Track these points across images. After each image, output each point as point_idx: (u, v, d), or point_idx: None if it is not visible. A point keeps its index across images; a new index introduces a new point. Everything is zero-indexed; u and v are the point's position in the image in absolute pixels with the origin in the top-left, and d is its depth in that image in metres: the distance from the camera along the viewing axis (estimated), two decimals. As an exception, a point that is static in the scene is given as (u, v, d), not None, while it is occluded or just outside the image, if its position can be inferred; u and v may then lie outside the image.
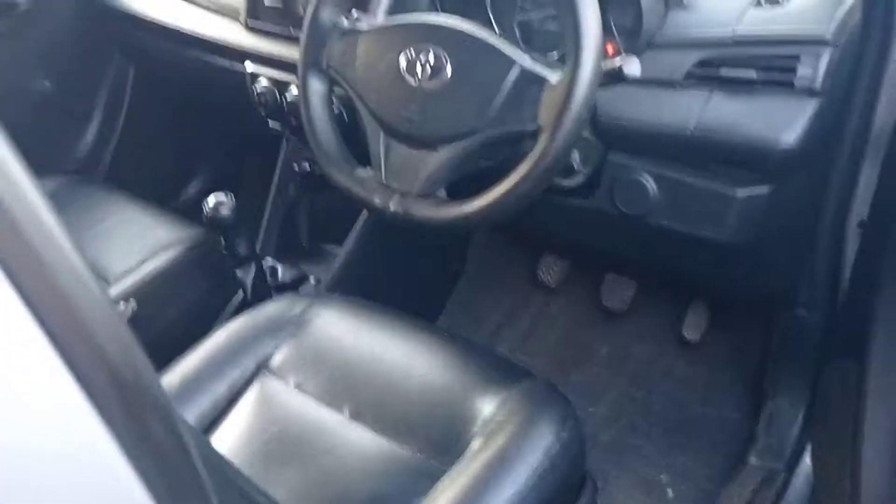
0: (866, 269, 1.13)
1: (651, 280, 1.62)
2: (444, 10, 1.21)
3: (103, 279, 1.28)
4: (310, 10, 1.06)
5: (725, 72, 0.99)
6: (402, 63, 0.98)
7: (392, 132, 1.01)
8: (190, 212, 1.34)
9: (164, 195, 1.85)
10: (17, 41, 1.60)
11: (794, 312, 1.30)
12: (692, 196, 1.07)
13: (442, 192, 0.99)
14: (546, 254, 1.71)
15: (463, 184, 0.99)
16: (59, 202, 1.44)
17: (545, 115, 0.91)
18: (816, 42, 0.95)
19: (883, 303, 1.09)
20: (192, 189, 1.93)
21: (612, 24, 1.09)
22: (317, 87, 1.06)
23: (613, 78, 0.94)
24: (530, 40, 1.18)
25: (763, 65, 0.97)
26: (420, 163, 0.99)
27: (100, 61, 1.77)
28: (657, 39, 1.05)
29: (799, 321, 1.30)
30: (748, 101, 0.99)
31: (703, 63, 1.01)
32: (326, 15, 1.05)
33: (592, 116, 1.06)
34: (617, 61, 0.93)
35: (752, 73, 0.98)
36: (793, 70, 0.96)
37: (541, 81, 0.92)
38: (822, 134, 0.99)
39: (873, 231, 1.09)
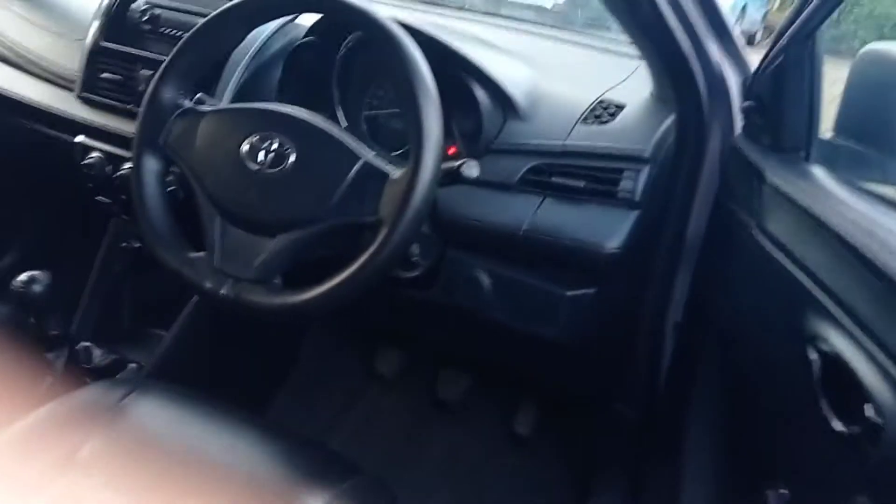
0: (681, 366, 1.21)
1: (485, 374, 1.65)
2: (291, 101, 1.22)
3: None
4: (151, 86, 1.03)
5: (556, 180, 1.06)
6: (245, 148, 0.97)
7: (229, 216, 0.98)
8: (2, 287, 1.23)
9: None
10: None
11: (613, 408, 1.36)
12: (524, 293, 1.11)
13: (278, 280, 0.97)
14: (383, 345, 1.71)
15: (300, 273, 0.98)
16: None
17: (386, 209, 0.92)
18: (636, 159, 1.05)
19: (696, 398, 1.17)
20: (4, 263, 1.77)
21: (455, 128, 1.14)
22: (151, 164, 1.02)
23: (453, 178, 0.97)
24: (376, 135, 1.21)
25: (589, 176, 1.05)
26: (256, 248, 0.96)
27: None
28: (495, 145, 1.11)
29: (618, 417, 1.36)
30: (576, 207, 1.05)
31: (535, 170, 1.07)
32: (168, 93, 1.03)
33: (432, 212, 1.09)
34: (456, 163, 0.97)
35: (579, 183, 1.05)
36: (615, 183, 1.04)
37: (383, 176, 0.93)
38: (642, 241, 1.07)
39: (687, 332, 1.18)
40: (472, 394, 1.65)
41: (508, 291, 1.12)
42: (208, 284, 0.97)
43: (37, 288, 1.14)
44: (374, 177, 0.94)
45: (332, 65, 1.19)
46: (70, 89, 1.35)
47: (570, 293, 1.11)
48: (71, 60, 1.35)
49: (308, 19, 1.23)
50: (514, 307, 1.13)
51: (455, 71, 1.12)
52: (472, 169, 0.97)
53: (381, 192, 0.93)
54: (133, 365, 1.34)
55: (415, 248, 1.12)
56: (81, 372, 1.29)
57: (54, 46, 1.40)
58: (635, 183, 1.04)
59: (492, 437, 1.62)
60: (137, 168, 1.02)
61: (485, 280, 1.13)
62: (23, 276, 1.14)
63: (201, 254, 1.00)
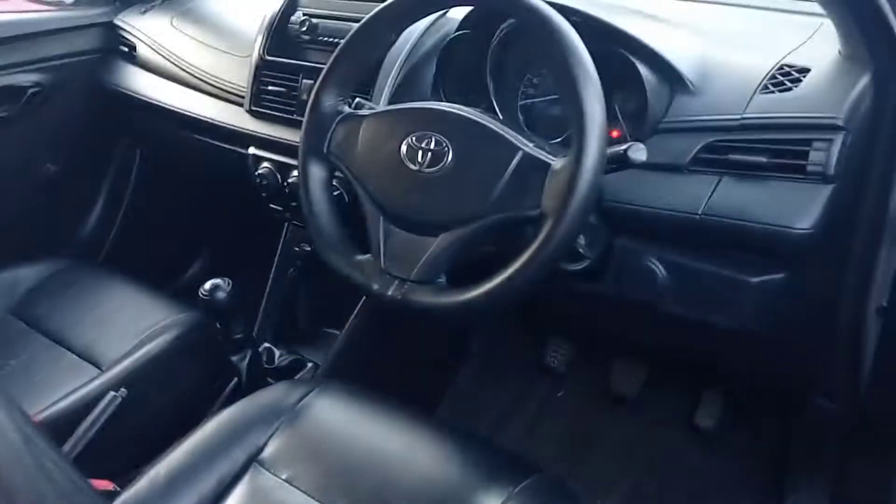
0: (888, 355, 1.08)
1: (662, 365, 1.56)
2: (447, 96, 1.21)
3: (96, 365, 1.25)
4: (312, 95, 1.06)
5: (734, 157, 0.97)
6: (403, 149, 0.97)
7: (392, 218, 0.98)
8: (190, 294, 1.32)
9: (165, 278, 1.83)
10: (24, 124, 1.61)
11: (814, 402, 1.24)
12: (703, 282, 1.03)
13: (442, 279, 0.96)
14: (553, 337, 1.67)
15: (464, 270, 0.96)
16: (58, 286, 1.42)
17: (548, 202, 0.88)
18: (828, 127, 0.93)
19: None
20: (192, 271, 1.91)
21: (617, 109, 1.08)
22: (317, 172, 1.05)
23: (619, 163, 0.92)
24: (534, 125, 1.17)
25: (772, 150, 0.95)
26: (420, 249, 0.96)
27: (107, 145, 1.78)
28: (663, 124, 1.04)
29: (820, 411, 1.24)
30: (759, 186, 0.96)
31: (710, 148, 0.99)
32: (328, 101, 1.05)
33: (598, 200, 1.03)
34: (622, 147, 0.91)
35: (761, 159, 0.96)
36: (804, 156, 0.93)
37: (544, 167, 0.90)
38: (837, 219, 0.96)
39: (893, 316, 1.05)
40: (648, 385, 1.58)
41: (686, 281, 1.04)
42: (376, 287, 0.98)
43: (220, 295, 1.21)
44: (534, 168, 0.90)
45: (486, 56, 1.16)
46: (240, 104, 1.42)
47: (755, 280, 1.01)
48: (239, 76, 1.42)
49: (459, 12, 1.21)
50: (692, 298, 1.05)
51: (615, 48, 1.05)
52: (639, 152, 0.91)
53: (543, 184, 0.89)
54: (310, 364, 1.40)
55: (581, 239, 1.07)
56: (264, 372, 1.36)
57: (224, 64, 1.48)
58: (828, 154, 0.93)
59: (671, 430, 1.54)
60: (304, 177, 1.05)
61: (659, 270, 1.06)
62: (207, 285, 1.21)
63: (368, 256, 1.01)
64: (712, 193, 0.98)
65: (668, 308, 1.07)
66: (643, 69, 1.04)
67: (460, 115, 0.96)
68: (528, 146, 0.92)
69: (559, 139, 1.12)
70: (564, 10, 0.93)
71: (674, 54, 1.05)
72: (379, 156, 1.00)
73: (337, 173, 1.06)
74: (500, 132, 0.93)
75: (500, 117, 1.16)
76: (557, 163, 0.89)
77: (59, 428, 1.10)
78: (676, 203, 1.00)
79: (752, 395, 1.47)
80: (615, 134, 1.09)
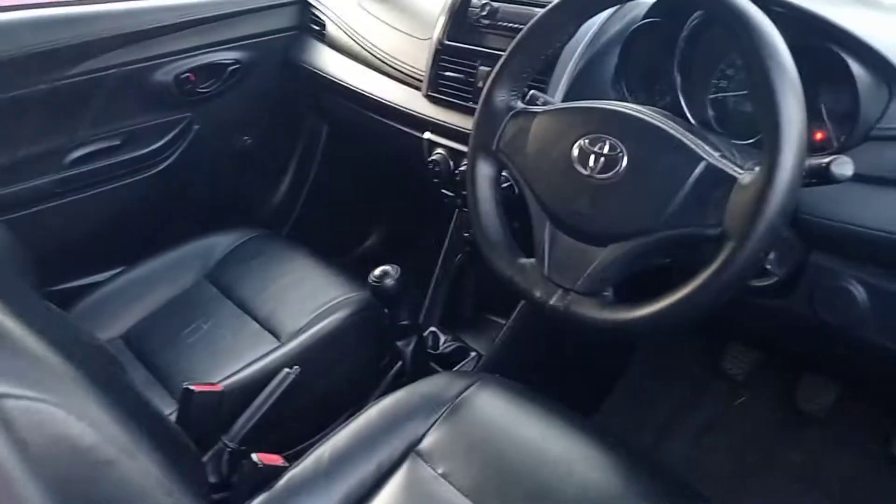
0: None
1: (857, 385, 1.40)
2: (629, 90, 1.13)
3: (275, 336, 1.33)
4: (485, 90, 1.03)
5: (966, 174, 0.83)
6: (575, 152, 0.92)
7: (559, 223, 0.94)
8: (363, 268, 1.37)
9: (341, 251, 1.91)
10: (224, 100, 1.72)
11: None
12: (913, 313, 0.90)
13: (608, 292, 0.90)
14: (732, 342, 1.55)
15: (633, 283, 0.90)
16: (248, 255, 1.52)
17: (732, 220, 0.80)
18: None
19: None
20: (366, 246, 1.98)
21: (824, 109, 0.95)
22: (485, 169, 1.02)
23: (819, 178, 0.81)
24: (724, 121, 1.07)
25: None
26: (587, 258, 0.91)
27: (296, 120, 1.87)
28: (877, 130, 0.90)
29: None
30: None
31: (934, 160, 0.85)
32: (501, 95, 1.01)
33: (793, 212, 0.93)
34: (824, 160, 0.80)
35: None
36: None
37: (730, 181, 0.81)
38: None
39: None
40: (839, 404, 1.43)
41: (887, 308, 0.91)
42: (538, 294, 0.95)
43: (389, 281, 1.23)
44: (718, 182, 0.82)
45: (675, 46, 1.07)
46: (418, 88, 1.42)
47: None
48: (419, 60, 1.42)
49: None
50: (893, 328, 0.92)
51: (822, 41, 0.93)
52: (844, 167, 0.80)
53: (726, 199, 0.81)
54: (473, 353, 1.40)
55: (770, 254, 0.97)
56: (428, 358, 1.38)
57: (404, 46, 1.48)
58: None
59: (863, 457, 1.39)
60: (472, 173, 1.03)
61: (859, 293, 0.93)
62: (377, 271, 1.23)
63: (531, 260, 0.97)
64: (932, 213, 0.84)
65: (868, 336, 0.95)
66: (855, 66, 0.91)
67: (638, 117, 0.89)
68: (712, 156, 0.83)
69: (752, 140, 1.01)
70: (763, 0, 0.83)
71: (893, 50, 0.91)
72: (548, 157, 0.95)
73: (505, 171, 1.03)
74: (682, 139, 0.85)
75: (687, 114, 1.07)
76: (745, 176, 0.80)
77: (239, 396, 1.18)
78: (887, 222, 0.87)
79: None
80: (819, 136, 0.97)
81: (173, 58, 1.60)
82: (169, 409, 1.17)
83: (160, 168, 1.66)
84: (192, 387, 1.12)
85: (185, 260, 1.51)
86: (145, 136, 1.64)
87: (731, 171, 0.82)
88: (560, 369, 1.39)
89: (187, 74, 1.63)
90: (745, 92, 1.04)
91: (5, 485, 0.35)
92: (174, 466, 0.72)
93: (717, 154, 0.84)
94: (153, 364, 1.32)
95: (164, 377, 1.29)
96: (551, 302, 0.93)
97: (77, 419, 0.52)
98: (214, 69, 1.67)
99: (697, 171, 0.83)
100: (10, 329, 0.58)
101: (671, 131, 0.86)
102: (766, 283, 0.99)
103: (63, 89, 1.48)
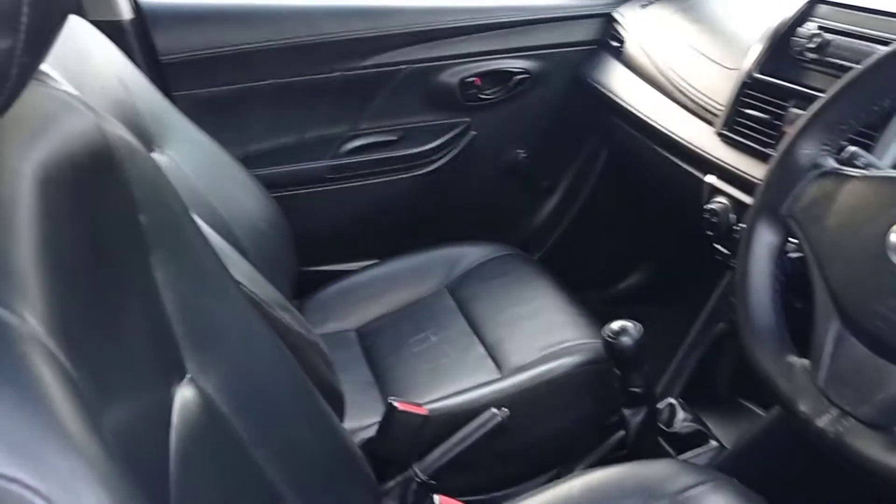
0: None
1: None
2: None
3: (497, 366, 1.23)
4: (791, 133, 0.83)
5: None
6: (894, 237, 0.69)
7: (851, 324, 0.72)
8: (615, 308, 1.22)
9: (597, 284, 1.76)
10: (506, 109, 1.66)
11: None
12: None
13: (903, 430, 0.67)
14: None
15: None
16: (493, 273, 1.45)
17: None
18: None
19: None
20: (624, 286, 1.80)
21: None
22: (767, 235, 0.82)
23: None
24: None
25: None
26: (881, 378, 0.69)
27: (575, 140, 1.75)
28: None
29: None
30: None
31: None
32: (808, 147, 0.81)
33: None
34: None
35: None
36: None
37: None
38: None
39: None
40: None
41: None
42: (803, 408, 0.74)
43: (626, 340, 1.07)
44: None
45: None
46: (713, 123, 1.23)
47: None
48: (720, 92, 1.23)
49: None
50: None
51: None
52: None
53: None
54: (714, 444, 1.17)
55: None
56: (657, 433, 1.19)
57: (707, 74, 1.30)
58: None
59: None
60: (749, 236, 0.84)
61: None
62: (614, 325, 1.08)
63: (805, 362, 0.76)
64: None
65: None
66: None
67: None
68: None
69: None
70: None
71: None
72: (856, 236, 0.73)
73: (793, 241, 0.82)
74: None
75: None
76: None
77: (443, 426, 1.11)
78: None
79: None
80: None
81: (461, 60, 1.58)
82: (371, 420, 1.12)
83: (430, 169, 1.65)
84: (397, 403, 1.06)
85: (432, 266, 1.48)
86: (421, 135, 1.63)
87: None
88: (812, 495, 1.12)
89: (473, 79, 1.60)
90: None
91: None
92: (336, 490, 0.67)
93: None
94: (376, 365, 1.30)
95: (381, 383, 1.26)
96: (819, 423, 0.72)
97: None
98: (501, 76, 1.62)
99: None
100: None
101: None
102: None
103: (353, 80, 1.53)
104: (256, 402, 0.69)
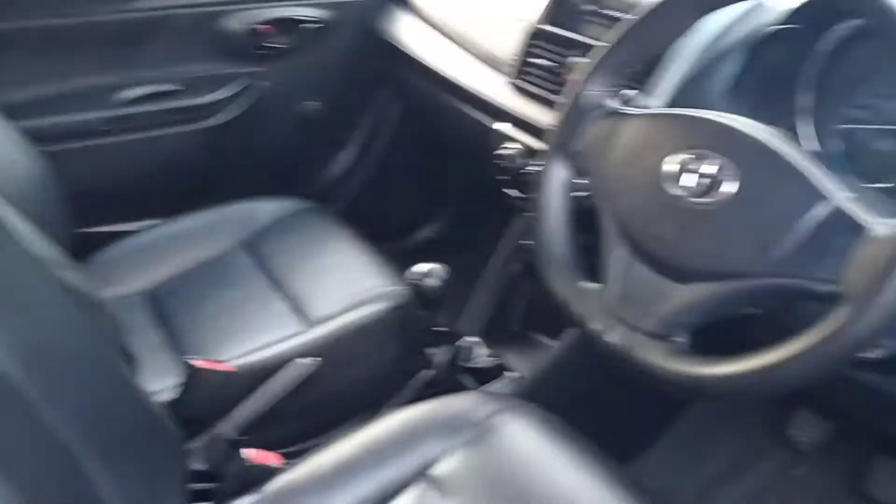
0: None
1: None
2: (747, 105, 0.97)
3: (303, 318, 1.22)
4: (575, 78, 0.89)
5: None
6: (669, 167, 0.77)
7: (636, 248, 0.79)
8: (415, 257, 1.25)
9: (394, 236, 1.80)
10: (297, 59, 1.62)
11: None
12: None
13: (682, 339, 0.75)
14: (804, 407, 1.37)
15: (711, 334, 0.75)
16: (291, 228, 1.43)
17: (853, 279, 0.64)
18: None
19: None
20: (420, 236, 1.86)
21: None
22: (559, 171, 0.88)
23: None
24: (854, 157, 0.90)
25: None
26: (662, 295, 0.76)
27: (368, 92, 1.76)
28: None
29: None
30: None
31: None
32: (593, 89, 0.87)
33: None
34: None
35: None
36: None
37: (857, 230, 0.65)
38: None
39: None
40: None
41: None
42: (596, 325, 0.81)
43: (431, 282, 1.11)
44: (843, 229, 0.66)
45: (811, 62, 0.90)
46: (503, 72, 1.29)
47: None
48: (510, 42, 1.29)
49: (784, 1, 0.95)
50: None
51: None
52: None
53: (850, 251, 0.65)
54: (512, 374, 1.26)
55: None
56: (461, 371, 1.25)
57: (497, 26, 1.36)
58: None
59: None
60: (544, 173, 0.89)
61: None
62: (420, 268, 1.12)
63: (595, 286, 0.83)
64: None
65: None
66: None
67: (756, 137, 0.73)
68: (840, 196, 0.67)
69: (886, 185, 0.84)
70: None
71: None
72: (636, 168, 0.81)
73: (580, 181, 0.89)
74: (805, 170, 0.69)
75: (814, 142, 0.90)
76: (879, 227, 0.64)
77: (249, 381, 1.08)
78: None
79: None
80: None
81: (249, 6, 1.51)
82: (170, 382, 1.07)
83: (216, 121, 1.57)
84: (195, 362, 1.02)
85: (224, 223, 1.42)
86: (207, 85, 1.55)
87: (860, 219, 0.66)
88: (604, 408, 1.25)
89: (262, 26, 1.53)
90: (888, 126, 0.87)
91: None
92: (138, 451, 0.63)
93: (846, 195, 0.68)
94: (169, 328, 1.24)
95: (176, 345, 1.20)
96: (610, 338, 0.79)
97: None
98: (291, 24, 1.57)
99: (819, 211, 0.67)
100: None
101: (795, 159, 0.70)
102: (871, 356, 0.82)
103: (128, 23, 1.41)
104: (48, 362, 0.63)
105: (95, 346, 0.74)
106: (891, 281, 0.61)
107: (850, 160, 0.90)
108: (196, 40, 1.49)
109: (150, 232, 1.42)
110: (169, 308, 1.27)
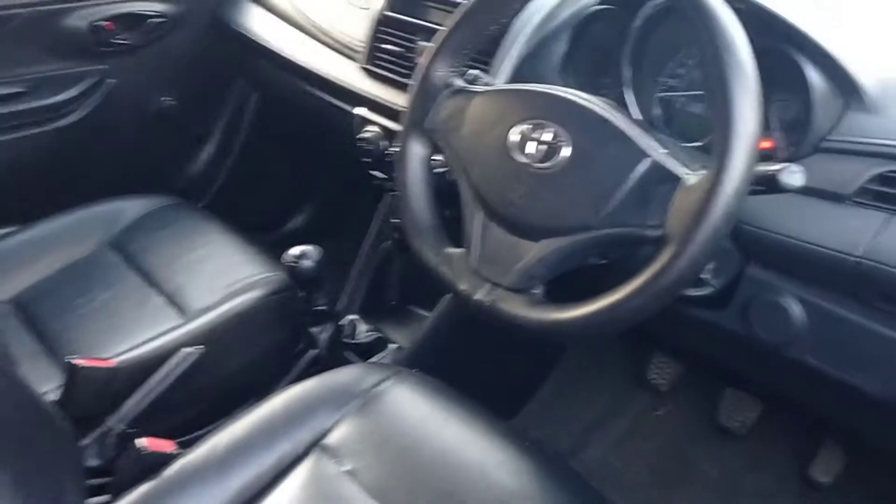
0: None
1: (780, 405, 1.39)
2: (576, 78, 1.07)
3: (181, 312, 1.23)
4: (423, 62, 0.96)
5: (913, 194, 0.80)
6: (514, 137, 0.85)
7: (491, 213, 0.87)
8: (287, 246, 1.29)
9: (263, 228, 1.81)
10: (145, 55, 1.60)
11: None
12: (850, 336, 0.87)
13: (538, 290, 0.84)
14: (658, 353, 1.52)
15: (565, 284, 0.85)
16: (158, 224, 1.42)
17: (674, 222, 0.75)
18: None
19: None
20: (290, 226, 1.88)
21: (774, 116, 0.92)
22: (417, 148, 0.95)
23: (767, 185, 0.76)
24: (671, 122, 1.02)
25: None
26: (518, 253, 0.85)
27: (223, 85, 1.76)
28: (827, 142, 0.87)
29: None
30: (940, 233, 0.78)
31: (883, 179, 0.81)
32: (439, 71, 0.95)
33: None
34: (774, 167, 0.75)
35: (949, 201, 0.78)
36: None
37: (674, 180, 0.76)
38: None
39: None
40: (761, 423, 1.41)
41: (827, 330, 0.88)
42: (463, 287, 0.88)
43: (306, 263, 1.15)
44: (662, 180, 0.77)
45: (626, 37, 1.02)
46: (355, 59, 1.34)
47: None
48: (358, 30, 1.34)
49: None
50: (833, 351, 0.89)
51: (780, 44, 0.89)
52: (793, 176, 0.75)
53: (669, 200, 0.76)
54: (393, 345, 1.33)
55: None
56: (344, 347, 1.31)
57: (344, 14, 1.40)
58: None
59: (782, 475, 1.38)
60: (403, 151, 0.96)
61: (795, 310, 0.90)
62: (294, 251, 1.16)
63: (460, 251, 0.91)
64: (877, 234, 0.81)
65: (800, 356, 0.92)
66: (811, 72, 0.87)
67: (584, 105, 0.83)
68: (658, 153, 0.78)
69: (699, 143, 0.97)
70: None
71: (853, 59, 0.87)
72: (485, 140, 0.89)
73: (436, 158, 0.96)
74: (628, 133, 0.80)
75: (635, 110, 1.02)
76: (691, 177, 0.75)
77: (134, 375, 1.09)
78: (830, 239, 0.83)
79: (882, 455, 1.28)
80: (767, 144, 0.93)
81: (88, 3, 1.47)
82: (54, 384, 1.07)
83: (67, 122, 1.54)
84: (77, 361, 1.02)
85: (88, 224, 1.40)
86: (53, 85, 1.51)
87: (676, 171, 0.77)
88: (483, 369, 1.34)
89: (105, 22, 1.51)
90: (695, 92, 1.00)
91: None
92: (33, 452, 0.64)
93: (664, 151, 0.79)
94: (42, 333, 1.21)
95: (53, 349, 1.18)
96: (477, 296, 0.87)
97: None
98: (135, 19, 1.55)
99: (642, 167, 0.78)
100: None
101: (617, 123, 0.81)
102: (700, 294, 0.95)
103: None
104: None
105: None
106: (703, 220, 0.72)
107: (668, 124, 1.02)
108: (37, 40, 1.45)
109: (8, 239, 1.37)
110: (39, 313, 1.24)
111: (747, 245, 0.90)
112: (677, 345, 1.47)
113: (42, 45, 1.46)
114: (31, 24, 1.42)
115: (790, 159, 0.87)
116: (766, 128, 0.91)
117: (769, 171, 0.76)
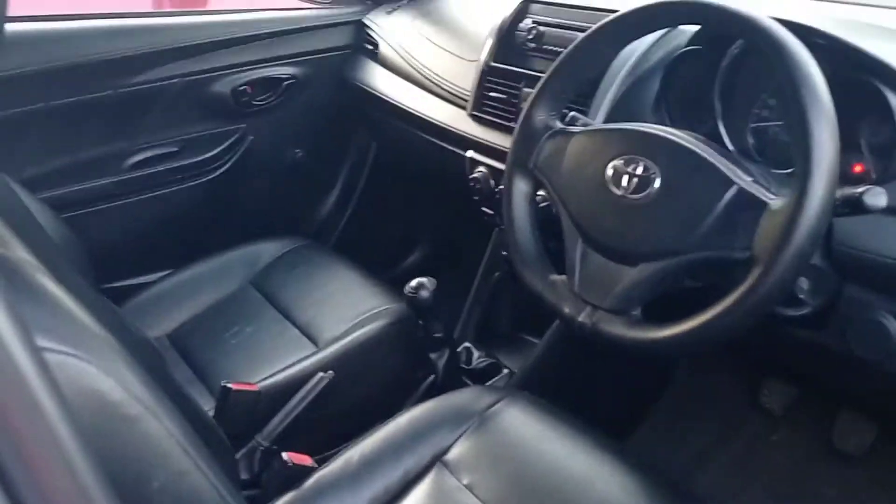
0: None
1: (894, 424, 1.37)
2: (670, 116, 1.14)
3: (313, 342, 1.36)
4: (525, 107, 1.06)
5: None
6: (609, 172, 0.93)
7: (590, 241, 0.95)
8: (406, 280, 1.40)
9: (384, 265, 1.94)
10: (280, 113, 1.78)
11: None
12: (947, 351, 0.89)
13: (637, 311, 0.91)
14: (771, 377, 1.52)
15: (663, 305, 0.91)
16: (292, 264, 1.57)
17: (761, 245, 0.80)
18: None
19: None
20: (409, 262, 2.01)
21: (863, 142, 0.95)
22: (521, 185, 1.04)
23: (852, 207, 0.81)
24: (765, 150, 1.07)
25: None
26: (616, 277, 0.92)
27: (346, 136, 1.92)
28: (916, 163, 0.90)
29: None
30: None
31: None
32: (540, 114, 1.04)
33: (827, 242, 0.93)
34: (858, 190, 0.80)
35: None
36: None
37: (760, 206, 0.82)
38: None
39: None
40: (878, 446, 1.39)
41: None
42: (567, 310, 0.96)
43: (424, 293, 1.25)
44: (749, 206, 0.83)
45: (716, 74, 1.08)
46: (464, 107, 1.46)
47: None
48: (466, 81, 1.45)
49: (691, 27, 1.13)
50: (931, 365, 0.90)
51: (863, 75, 0.93)
52: (877, 197, 0.80)
53: (756, 224, 0.81)
54: (506, 371, 1.41)
55: (803, 283, 0.96)
56: (460, 372, 1.39)
57: (453, 67, 1.52)
58: None
59: (904, 500, 1.35)
60: (508, 188, 1.05)
61: (893, 327, 0.92)
62: (413, 283, 1.26)
63: (562, 277, 0.99)
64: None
65: (900, 370, 0.94)
66: (893, 100, 0.91)
67: (671, 139, 0.90)
68: (744, 180, 0.84)
69: (791, 170, 1.01)
70: (807, 32, 0.84)
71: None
72: (583, 176, 0.97)
73: (540, 193, 1.05)
74: (715, 163, 0.86)
75: (726, 141, 1.07)
76: (776, 202, 0.81)
77: (275, 397, 1.21)
78: (921, 255, 0.86)
79: None
80: (858, 169, 0.97)
81: (231, 70, 1.67)
82: (207, 406, 1.20)
83: (214, 175, 1.73)
84: (230, 385, 1.15)
85: (232, 265, 1.56)
86: (201, 144, 1.70)
87: (761, 196, 0.82)
88: (592, 393, 1.39)
89: (244, 87, 1.69)
90: (782, 122, 1.04)
91: (49, 432, 0.38)
92: (209, 457, 0.75)
93: (749, 179, 0.85)
94: (195, 363, 1.36)
95: (205, 376, 1.33)
96: (579, 318, 0.94)
97: (105, 375, 0.57)
98: (270, 83, 1.73)
99: (728, 194, 0.84)
100: (53, 293, 0.62)
101: (704, 154, 0.87)
102: (798, 313, 0.99)
103: (127, 96, 1.55)
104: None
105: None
106: (788, 242, 0.77)
107: (760, 153, 1.07)
108: (188, 106, 1.64)
109: (165, 281, 1.54)
110: (192, 345, 1.40)
111: (843, 265, 0.94)
112: (788, 369, 1.47)
113: (192, 109, 1.66)
114: (184, 92, 1.62)
115: (880, 182, 0.91)
116: (857, 152, 0.95)
117: (854, 193, 0.80)
